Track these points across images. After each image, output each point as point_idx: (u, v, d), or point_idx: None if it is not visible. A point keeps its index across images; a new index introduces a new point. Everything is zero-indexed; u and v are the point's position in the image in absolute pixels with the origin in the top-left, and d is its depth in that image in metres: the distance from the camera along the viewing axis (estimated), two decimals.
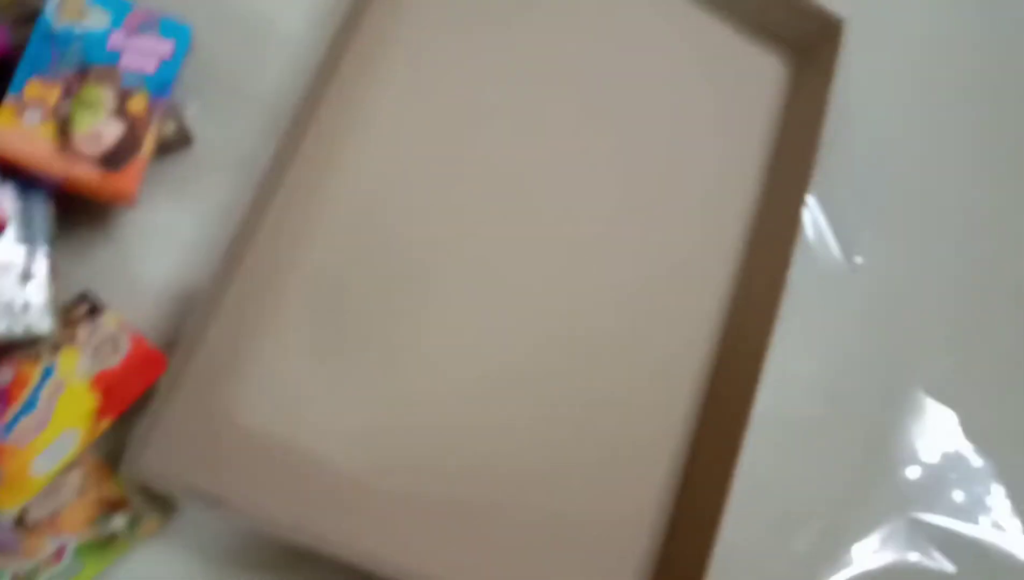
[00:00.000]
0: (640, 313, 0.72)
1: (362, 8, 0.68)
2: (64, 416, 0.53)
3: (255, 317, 0.62)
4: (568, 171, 0.73)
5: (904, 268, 0.81)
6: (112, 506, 0.56)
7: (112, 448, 0.58)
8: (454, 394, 0.66)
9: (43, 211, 0.56)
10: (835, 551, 0.73)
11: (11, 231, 0.54)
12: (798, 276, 0.74)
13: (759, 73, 0.80)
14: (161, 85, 0.57)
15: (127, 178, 0.56)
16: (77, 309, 0.57)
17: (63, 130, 0.55)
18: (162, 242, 0.62)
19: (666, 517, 0.69)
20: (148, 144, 0.57)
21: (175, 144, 0.63)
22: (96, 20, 0.57)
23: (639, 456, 0.70)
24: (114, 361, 0.55)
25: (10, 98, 0.54)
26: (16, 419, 0.53)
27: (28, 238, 0.55)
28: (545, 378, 0.69)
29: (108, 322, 0.56)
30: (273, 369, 0.62)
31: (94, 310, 0.57)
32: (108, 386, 0.54)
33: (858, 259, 0.80)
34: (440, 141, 0.71)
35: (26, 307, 0.53)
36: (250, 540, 0.60)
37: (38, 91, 0.54)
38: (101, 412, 0.54)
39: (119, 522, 0.56)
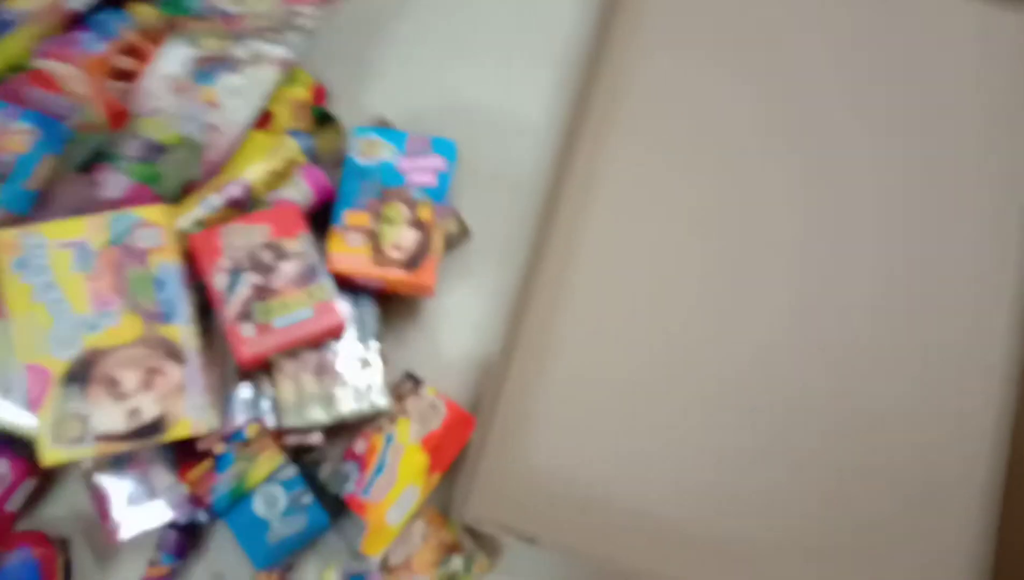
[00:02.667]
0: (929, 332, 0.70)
1: (588, 94, 0.75)
2: (406, 474, 0.65)
3: (536, 376, 0.71)
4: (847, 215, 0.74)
5: None
6: (450, 549, 0.67)
7: (443, 499, 0.69)
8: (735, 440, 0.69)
9: (371, 312, 0.69)
10: None
11: (349, 331, 0.68)
12: None
13: None
14: (440, 193, 0.69)
15: (426, 274, 0.68)
16: (403, 385, 0.69)
17: (375, 245, 0.68)
18: (457, 322, 0.74)
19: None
20: (438, 243, 0.68)
21: (458, 238, 0.74)
22: (385, 152, 0.70)
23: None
24: (436, 424, 0.66)
25: (335, 228, 0.69)
26: (372, 481, 0.66)
27: (362, 335, 0.68)
28: (820, 434, 0.69)
29: (427, 393, 0.68)
30: (558, 419, 0.69)
31: (416, 384, 0.69)
32: (434, 446, 0.65)
33: None
34: (684, 195, 0.75)
35: (369, 389, 0.66)
36: (570, 571, 0.67)
37: (354, 218, 0.69)
38: (432, 468, 0.65)
39: (457, 563, 0.67)
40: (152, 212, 0.62)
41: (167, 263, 0.62)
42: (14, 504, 0.66)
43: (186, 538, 0.66)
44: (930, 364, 0.69)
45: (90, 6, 0.72)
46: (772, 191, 0.75)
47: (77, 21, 0.72)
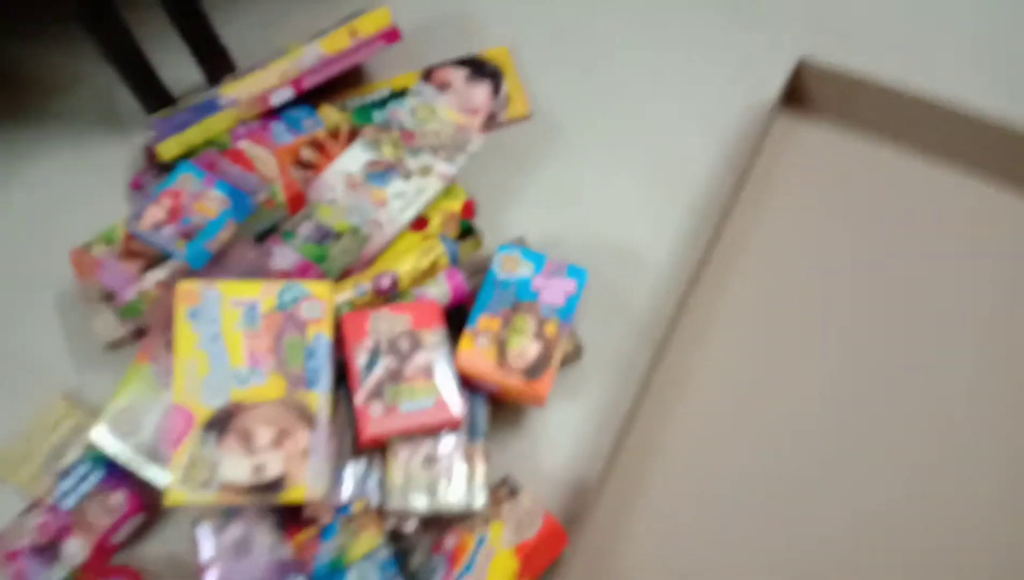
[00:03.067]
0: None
1: (714, 241, 0.81)
2: (495, 577, 0.66)
3: (631, 501, 0.73)
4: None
5: None
6: None
7: None
8: None
9: (483, 413, 0.73)
10: None
11: (461, 428, 0.72)
12: None
13: None
14: (567, 313, 0.74)
15: (542, 385, 0.72)
16: (501, 489, 0.72)
17: (500, 350, 0.73)
18: (560, 436, 0.77)
19: None
20: (557, 359, 0.73)
21: (571, 356, 0.79)
22: (524, 269, 0.76)
23: None
24: (530, 534, 0.68)
25: (468, 329, 0.74)
26: (460, 577, 0.67)
27: (472, 433, 0.72)
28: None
29: (525, 501, 0.70)
30: (648, 546, 0.71)
31: (513, 491, 0.71)
32: (526, 555, 0.67)
33: None
34: (795, 345, 0.79)
35: (471, 487, 0.69)
36: None
37: (486, 323, 0.74)
38: (520, 576, 0.66)
39: None
40: (319, 287, 0.68)
41: (322, 335, 0.67)
42: (120, 536, 0.69)
43: None
44: None
45: (286, 103, 0.82)
46: (880, 353, 0.78)
47: (272, 113, 0.82)
